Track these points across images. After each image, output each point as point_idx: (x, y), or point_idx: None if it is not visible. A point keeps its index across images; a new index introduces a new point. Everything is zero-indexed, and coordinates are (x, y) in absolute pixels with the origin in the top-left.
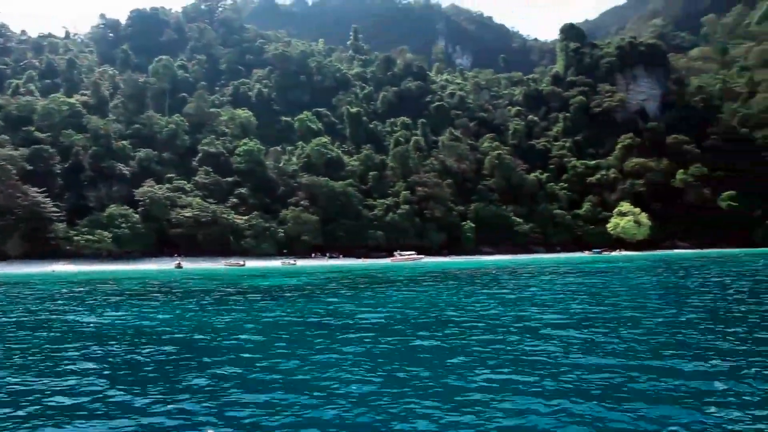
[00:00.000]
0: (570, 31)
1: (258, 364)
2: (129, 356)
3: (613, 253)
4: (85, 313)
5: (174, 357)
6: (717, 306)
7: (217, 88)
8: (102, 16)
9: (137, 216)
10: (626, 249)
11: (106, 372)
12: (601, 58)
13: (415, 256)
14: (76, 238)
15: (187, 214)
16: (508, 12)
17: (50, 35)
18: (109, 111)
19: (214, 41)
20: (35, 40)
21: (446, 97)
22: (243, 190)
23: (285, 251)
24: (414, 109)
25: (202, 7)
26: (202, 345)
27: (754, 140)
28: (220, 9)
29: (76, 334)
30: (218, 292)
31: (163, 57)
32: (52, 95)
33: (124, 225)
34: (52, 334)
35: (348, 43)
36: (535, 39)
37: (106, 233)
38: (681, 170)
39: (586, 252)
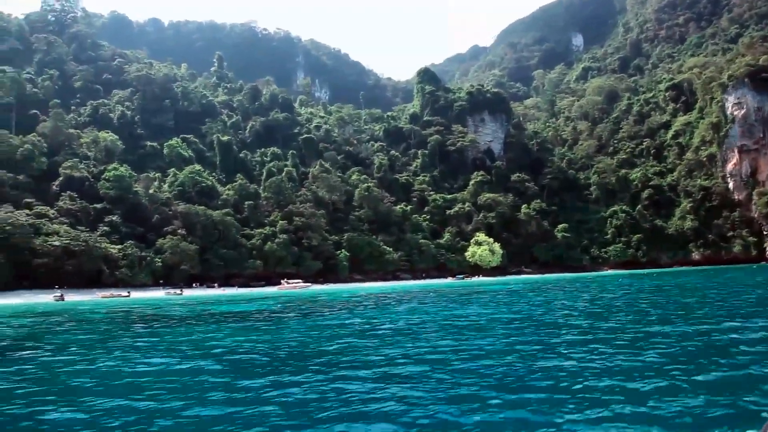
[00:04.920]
0: (425, 75)
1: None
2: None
3: (473, 279)
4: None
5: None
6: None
7: (72, 107)
8: None
9: None
10: (483, 275)
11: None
12: (454, 102)
13: (303, 284)
14: None
15: (55, 243)
16: (364, 51)
17: None
18: None
19: (66, 56)
20: None
21: (313, 129)
22: (114, 218)
23: (161, 281)
24: (281, 140)
25: (49, 17)
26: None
27: (579, 180)
28: (68, 20)
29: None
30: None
31: (7, 68)
32: None
33: None
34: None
35: (212, 69)
36: (389, 78)
37: None
38: (525, 205)
39: (450, 278)
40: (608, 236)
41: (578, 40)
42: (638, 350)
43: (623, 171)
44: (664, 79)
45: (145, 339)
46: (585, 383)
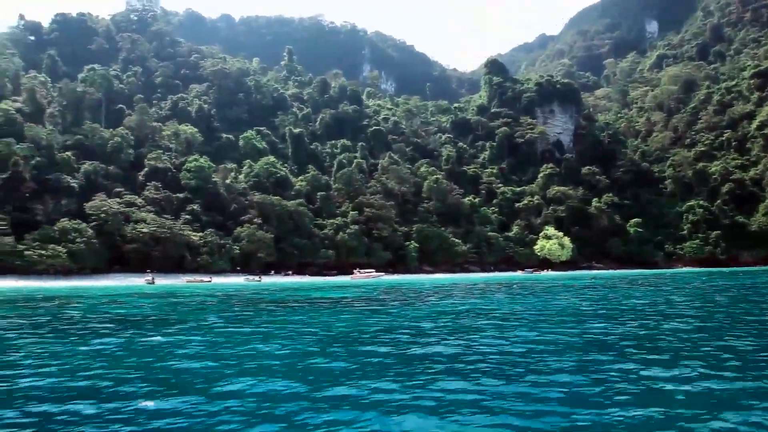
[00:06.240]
0: (493, 65)
1: None
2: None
3: (543, 273)
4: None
5: None
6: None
7: (154, 102)
8: (21, 17)
9: (91, 231)
10: (552, 269)
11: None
12: (523, 93)
13: (375, 273)
14: (27, 252)
15: (144, 230)
16: (428, 42)
17: None
18: (45, 120)
19: (148, 53)
20: None
21: (381, 121)
22: (195, 207)
23: (239, 268)
24: (351, 132)
25: (132, 17)
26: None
27: (653, 173)
28: (149, 19)
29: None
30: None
31: (96, 66)
32: None
33: (79, 240)
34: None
35: (282, 63)
36: (454, 69)
37: (60, 248)
38: (595, 199)
39: (519, 272)
40: (684, 232)
41: (652, 27)
42: None
43: (701, 164)
44: (749, 65)
45: (289, 317)
46: None
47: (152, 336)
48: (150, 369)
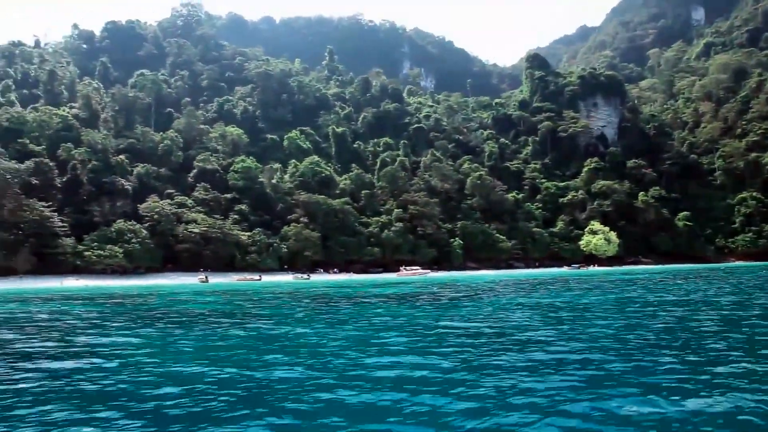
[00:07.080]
0: (534, 60)
1: None
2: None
3: (589, 269)
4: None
5: None
6: None
7: (201, 105)
8: (75, 26)
9: (145, 231)
10: (598, 264)
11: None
12: (565, 86)
13: (421, 270)
14: (86, 253)
15: (195, 230)
16: (467, 37)
17: (20, 43)
18: (100, 125)
19: (194, 57)
20: (5, 47)
21: (422, 119)
22: (243, 207)
23: (286, 267)
24: (392, 130)
25: (178, 22)
26: None
27: (702, 165)
28: (193, 24)
29: None
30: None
31: (145, 71)
32: (42, 107)
33: (134, 240)
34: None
35: (323, 63)
36: (494, 64)
37: (117, 248)
38: (642, 192)
39: (565, 267)
40: (736, 225)
41: (699, 14)
42: None
43: (753, 154)
44: None
45: (370, 310)
46: None
47: (262, 327)
48: (290, 351)
